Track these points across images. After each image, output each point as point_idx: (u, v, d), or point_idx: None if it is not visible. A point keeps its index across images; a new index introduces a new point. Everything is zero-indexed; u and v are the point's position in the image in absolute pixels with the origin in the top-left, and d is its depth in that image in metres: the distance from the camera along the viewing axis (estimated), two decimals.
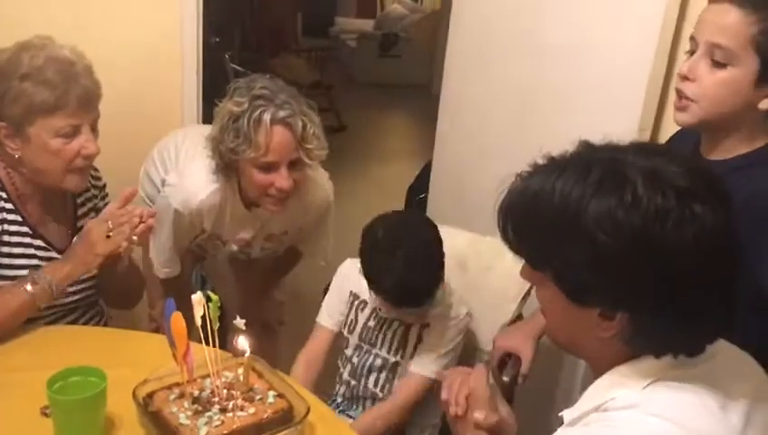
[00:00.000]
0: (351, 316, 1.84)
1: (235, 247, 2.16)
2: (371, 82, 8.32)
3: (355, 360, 1.83)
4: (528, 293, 1.81)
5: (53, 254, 1.74)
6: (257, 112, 1.76)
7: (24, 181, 1.70)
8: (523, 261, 1.07)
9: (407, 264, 1.60)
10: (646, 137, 2.06)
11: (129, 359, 1.54)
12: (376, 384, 1.82)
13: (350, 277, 1.85)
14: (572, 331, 1.06)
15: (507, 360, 1.73)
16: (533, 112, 2.39)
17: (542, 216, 0.99)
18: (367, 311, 1.81)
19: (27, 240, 1.71)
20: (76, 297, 1.77)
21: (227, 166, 1.87)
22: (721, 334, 1.02)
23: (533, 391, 1.77)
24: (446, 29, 2.78)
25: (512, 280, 1.82)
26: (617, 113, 2.06)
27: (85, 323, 1.83)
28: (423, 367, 1.75)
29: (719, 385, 0.98)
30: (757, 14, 1.29)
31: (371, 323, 1.81)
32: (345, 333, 1.85)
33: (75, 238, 1.73)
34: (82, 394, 1.30)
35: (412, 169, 3.86)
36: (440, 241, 1.68)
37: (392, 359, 1.80)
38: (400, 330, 1.78)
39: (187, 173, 2.01)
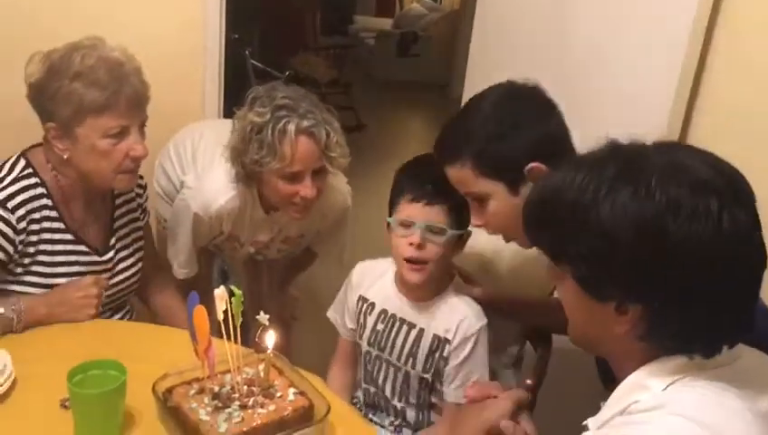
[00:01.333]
0: (361, 321, 1.78)
1: (251, 249, 2.15)
2: (390, 81, 8.31)
3: (369, 367, 1.78)
4: (551, 294, 1.79)
5: (95, 257, 1.75)
6: (281, 123, 1.76)
7: (70, 183, 1.69)
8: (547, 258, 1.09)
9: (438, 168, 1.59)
10: (676, 128, 2.03)
11: (150, 353, 1.52)
12: (393, 393, 1.75)
13: (359, 282, 1.79)
14: (591, 327, 1.07)
15: None
16: None
17: (559, 209, 1.02)
18: (374, 314, 1.75)
19: (69, 247, 1.71)
20: (108, 301, 1.78)
21: (249, 175, 1.87)
22: (740, 337, 1.01)
23: (557, 406, 1.74)
24: (465, 29, 2.78)
25: (534, 284, 1.80)
26: (644, 119, 2.02)
27: None
28: (459, 398, 1.65)
29: (744, 386, 0.97)
30: (459, 160, 1.49)
31: (380, 327, 1.73)
32: (357, 338, 1.80)
33: (69, 285, 1.69)
34: (102, 388, 1.29)
35: None
36: None
37: (403, 368, 1.72)
38: (412, 335, 1.69)
39: (206, 177, 2.00)
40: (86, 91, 1.57)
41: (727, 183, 0.94)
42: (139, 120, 1.66)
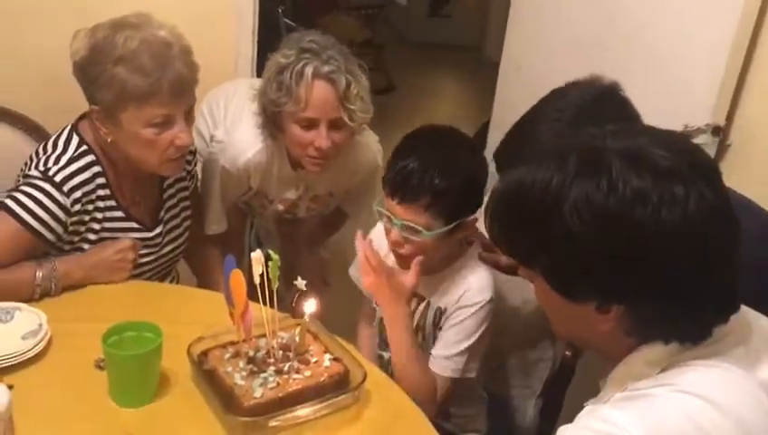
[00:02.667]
0: None
1: (280, 207, 2.13)
2: (421, 42, 8.17)
3: (384, 334, 1.68)
4: None
5: (145, 233, 1.73)
6: (300, 65, 1.73)
7: (119, 161, 1.66)
8: None
9: (426, 154, 1.46)
10: (723, 110, 1.95)
11: (185, 315, 1.52)
12: None
13: (378, 245, 1.66)
14: (572, 326, 1.03)
15: None
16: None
17: (523, 210, 0.96)
18: None
19: (118, 224, 1.69)
20: (155, 270, 1.78)
21: (271, 120, 1.84)
22: (729, 314, 0.96)
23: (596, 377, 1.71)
24: None
25: None
26: (692, 84, 1.95)
27: None
28: (441, 368, 1.57)
29: (740, 360, 0.94)
30: None
31: None
32: (373, 303, 1.74)
33: (107, 246, 1.66)
34: (137, 349, 1.28)
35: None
36: (478, 158, 1.54)
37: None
38: (420, 308, 1.62)
39: (234, 131, 1.98)
40: (129, 78, 1.50)
41: (689, 164, 0.90)
42: (185, 106, 1.59)
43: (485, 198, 1.42)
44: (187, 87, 1.58)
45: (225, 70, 2.52)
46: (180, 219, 1.84)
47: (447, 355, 1.57)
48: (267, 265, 1.27)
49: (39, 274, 1.55)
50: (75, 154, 1.61)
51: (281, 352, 1.35)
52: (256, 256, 1.27)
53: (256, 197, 2.09)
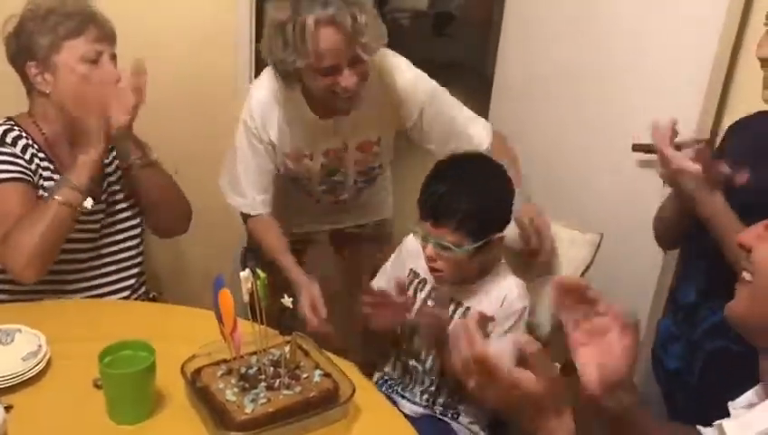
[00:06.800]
0: (410, 294, 1.76)
1: (324, 160, 1.99)
2: (424, 62, 8.22)
3: (416, 341, 1.76)
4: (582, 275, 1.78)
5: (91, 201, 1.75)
6: (300, 17, 1.63)
7: (53, 127, 1.75)
8: None
9: (455, 180, 1.60)
10: (707, 124, 1.99)
11: (179, 334, 1.55)
12: (432, 370, 1.74)
13: (411, 254, 1.79)
14: None
15: None
16: (586, 98, 2.33)
17: None
18: (425, 290, 1.75)
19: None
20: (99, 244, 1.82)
21: (287, 74, 1.76)
22: None
23: None
24: (501, 10, 2.72)
25: (573, 269, 1.80)
26: (676, 101, 1.98)
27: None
28: None
29: None
30: None
31: (429, 304, 1.74)
32: (405, 311, 1.73)
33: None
34: (133, 368, 1.32)
35: None
36: (505, 182, 1.67)
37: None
38: (458, 313, 1.68)
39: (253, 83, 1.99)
40: (60, 21, 1.68)
41: None
42: (111, 50, 1.74)
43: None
44: (111, 34, 1.76)
45: (222, 72, 2.50)
46: (128, 204, 1.89)
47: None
48: (256, 284, 1.31)
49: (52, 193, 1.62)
50: (1, 123, 1.73)
51: (272, 368, 1.38)
52: (245, 275, 1.30)
53: (291, 158, 1.97)
